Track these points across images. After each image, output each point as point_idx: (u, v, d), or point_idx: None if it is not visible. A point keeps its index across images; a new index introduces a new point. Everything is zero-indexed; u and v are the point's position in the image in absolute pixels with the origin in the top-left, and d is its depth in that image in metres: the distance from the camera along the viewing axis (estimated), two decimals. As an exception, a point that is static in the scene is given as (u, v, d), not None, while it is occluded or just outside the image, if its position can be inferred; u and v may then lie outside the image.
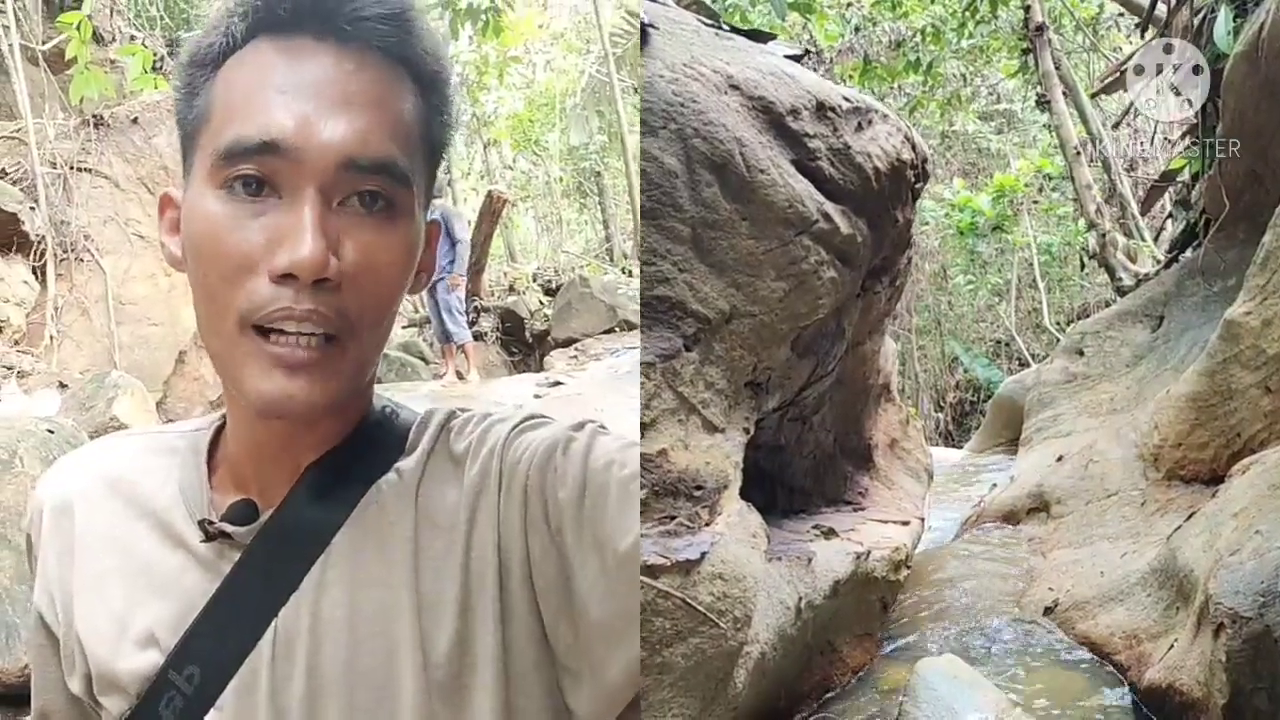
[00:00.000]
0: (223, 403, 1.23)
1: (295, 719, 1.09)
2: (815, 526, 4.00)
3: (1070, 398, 6.74)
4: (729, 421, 3.17)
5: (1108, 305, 11.65)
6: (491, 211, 14.03)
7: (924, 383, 16.46)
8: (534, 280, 16.88)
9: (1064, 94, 10.06)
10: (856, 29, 11.88)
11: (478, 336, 14.06)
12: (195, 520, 1.16)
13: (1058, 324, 14.69)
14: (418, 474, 1.15)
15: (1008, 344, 16.39)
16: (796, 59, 3.67)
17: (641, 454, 2.78)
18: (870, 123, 3.70)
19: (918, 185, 4.09)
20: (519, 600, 1.10)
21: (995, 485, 6.66)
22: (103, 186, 9.36)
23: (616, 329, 14.48)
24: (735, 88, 3.14)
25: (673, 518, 2.84)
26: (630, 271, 18.67)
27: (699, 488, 2.93)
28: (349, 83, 1.07)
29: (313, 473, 1.16)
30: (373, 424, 1.20)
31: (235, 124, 1.04)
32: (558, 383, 9.82)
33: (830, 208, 3.41)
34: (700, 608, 2.79)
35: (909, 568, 4.54)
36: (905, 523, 4.60)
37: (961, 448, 10.99)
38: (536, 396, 8.90)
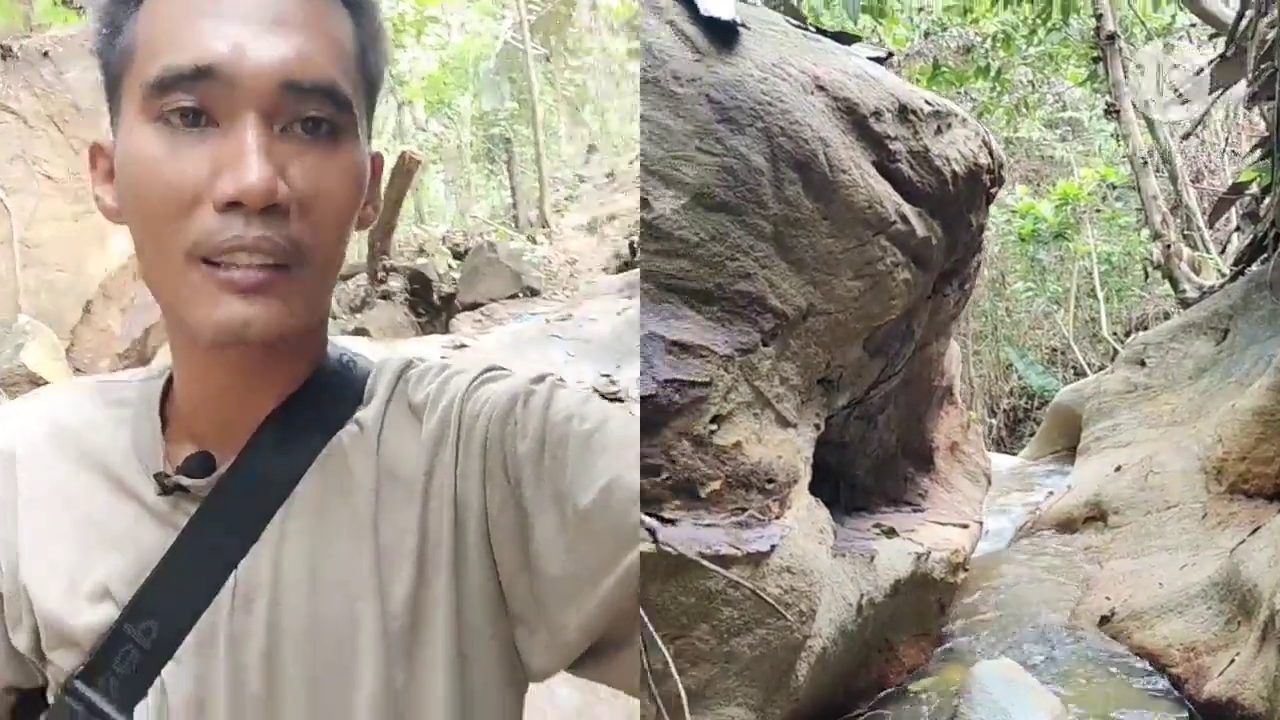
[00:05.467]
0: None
1: (254, 670, 1.07)
2: (876, 525, 4.03)
3: (1131, 408, 6.70)
4: (801, 417, 3.21)
5: (1167, 317, 11.56)
6: (405, 171, 13.98)
7: (978, 388, 16.37)
8: (443, 243, 16.93)
9: (1133, 104, 9.99)
10: (926, 34, 11.84)
11: (385, 296, 14.25)
12: (150, 473, 1.13)
13: (1115, 334, 14.57)
14: (378, 424, 1.14)
15: (1063, 352, 16.25)
16: (880, 61, 3.70)
17: (717, 445, 2.83)
18: (950, 126, 3.72)
19: (993, 190, 4.10)
20: (475, 553, 1.09)
21: (1052, 493, 6.64)
22: (9, 122, 8.76)
23: (520, 294, 14.67)
24: (821, 88, 3.17)
25: (744, 509, 2.88)
26: (535, 239, 18.77)
27: (770, 481, 2.97)
28: (280, 4, 1.03)
29: (272, 423, 1.13)
30: (330, 373, 1.18)
31: (165, 53, 1.00)
32: (463, 345, 9.87)
33: (908, 209, 3.44)
34: (769, 599, 2.83)
35: (966, 570, 4.56)
36: (964, 526, 4.62)
37: (1014, 454, 10.92)
38: (442, 358, 9.03)
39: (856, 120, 3.26)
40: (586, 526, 1.04)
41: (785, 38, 3.36)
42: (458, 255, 16.12)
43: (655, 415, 2.67)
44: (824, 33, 3.76)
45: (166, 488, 1.11)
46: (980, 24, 11.64)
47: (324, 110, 1.03)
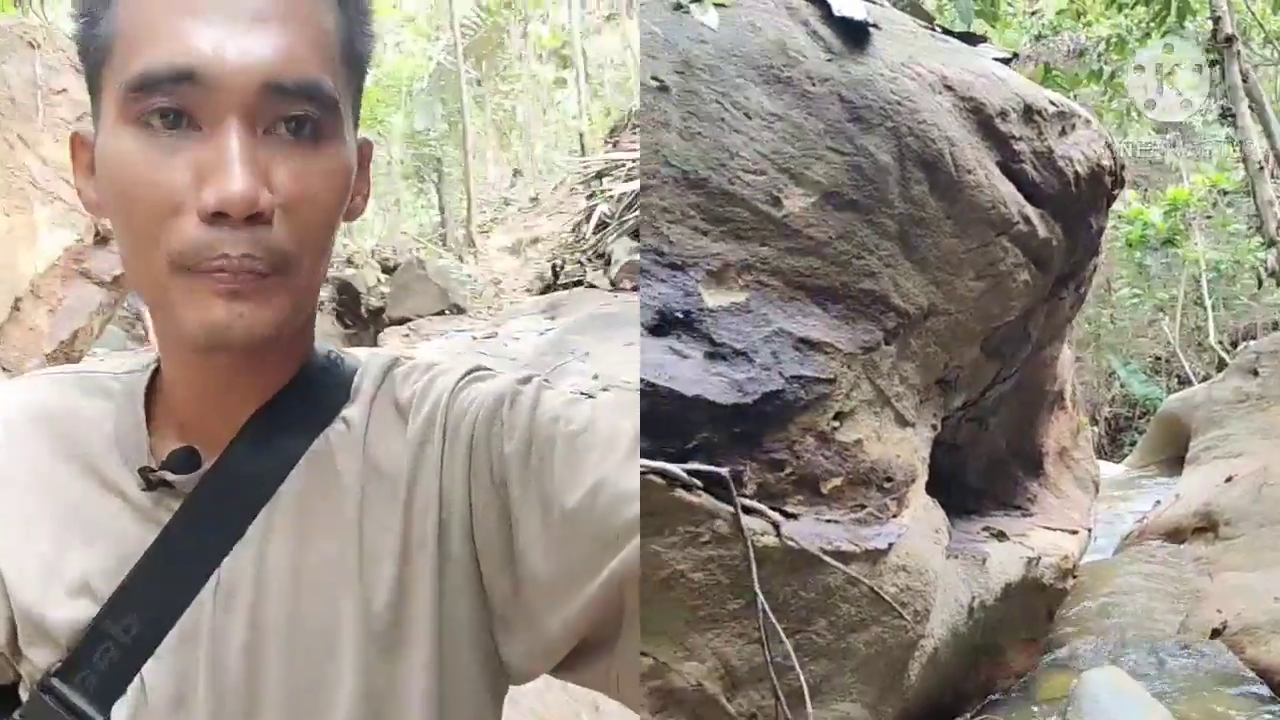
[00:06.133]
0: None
1: (235, 669, 1.05)
2: (986, 528, 4.02)
3: (1243, 418, 6.58)
4: (919, 417, 3.22)
5: (1275, 327, 11.31)
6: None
7: (1080, 396, 16.11)
8: (372, 256, 17.11)
9: (1250, 108, 9.78)
10: (1038, 37, 11.65)
11: (313, 305, 14.61)
12: (133, 467, 1.09)
13: (1221, 343, 14.26)
14: (364, 422, 1.11)
15: (1167, 361, 15.96)
16: (1005, 62, 3.69)
17: (839, 442, 2.84)
18: (1074, 127, 3.70)
19: (1114, 192, 4.07)
20: (458, 553, 1.08)
21: (1159, 502, 6.55)
22: (-59, 115, 8.70)
23: (447, 311, 15.12)
24: (949, 88, 3.18)
25: (863, 507, 2.89)
26: (463, 257, 19.16)
27: (889, 479, 2.98)
28: None
29: (258, 420, 1.10)
30: (318, 370, 1.15)
31: (143, 53, 0.96)
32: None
33: (1030, 210, 3.43)
34: (886, 597, 2.85)
35: (1075, 577, 4.52)
36: (1073, 532, 4.58)
37: (1115, 463, 10.77)
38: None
39: (982, 120, 3.27)
40: (572, 528, 1.03)
41: (914, 38, 3.36)
42: (386, 270, 16.53)
43: (781, 410, 2.69)
44: (950, 33, 3.76)
45: (150, 483, 1.08)
46: (1092, 27, 11.44)
47: (308, 110, 1.00)
